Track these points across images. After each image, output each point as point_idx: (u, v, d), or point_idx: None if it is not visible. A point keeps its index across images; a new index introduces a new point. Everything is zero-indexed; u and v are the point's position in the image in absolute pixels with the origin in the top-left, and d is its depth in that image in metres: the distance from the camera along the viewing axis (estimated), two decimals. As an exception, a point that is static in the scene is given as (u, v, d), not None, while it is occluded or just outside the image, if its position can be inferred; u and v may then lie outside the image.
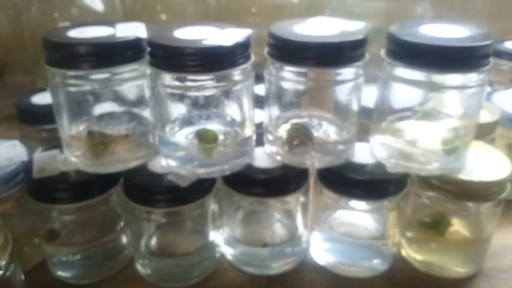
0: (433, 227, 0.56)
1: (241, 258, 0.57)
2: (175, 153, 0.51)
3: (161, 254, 0.56)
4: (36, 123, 0.65)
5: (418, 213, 0.57)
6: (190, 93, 0.48)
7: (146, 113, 0.54)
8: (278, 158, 0.53)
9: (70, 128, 0.52)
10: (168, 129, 0.51)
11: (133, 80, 0.50)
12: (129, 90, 0.52)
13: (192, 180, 0.49)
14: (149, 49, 0.46)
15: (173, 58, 0.45)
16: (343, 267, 0.56)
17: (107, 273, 0.57)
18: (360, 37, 0.47)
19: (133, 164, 0.52)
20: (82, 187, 0.51)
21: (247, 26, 0.49)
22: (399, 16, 0.77)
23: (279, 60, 0.49)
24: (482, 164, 0.53)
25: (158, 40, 0.45)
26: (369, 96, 0.54)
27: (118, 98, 0.52)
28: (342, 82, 0.50)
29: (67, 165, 0.52)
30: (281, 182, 0.52)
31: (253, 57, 0.48)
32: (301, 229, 0.57)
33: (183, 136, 0.51)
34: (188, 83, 0.47)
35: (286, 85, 0.51)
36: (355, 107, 0.52)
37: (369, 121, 0.55)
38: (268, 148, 0.54)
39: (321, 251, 0.58)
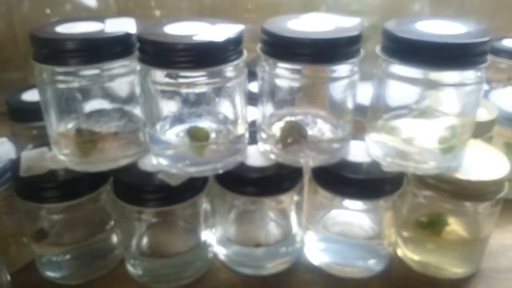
0: (430, 227, 0.55)
1: (234, 258, 0.56)
2: (166, 152, 0.50)
3: (152, 254, 0.55)
4: (27, 121, 0.64)
5: (415, 213, 0.56)
6: (181, 90, 0.47)
7: (137, 110, 0.53)
8: (272, 156, 0.52)
9: (58, 126, 0.51)
10: (159, 127, 0.50)
11: (123, 76, 0.49)
12: (119, 86, 0.51)
13: (183, 179, 0.48)
14: (138, 44, 0.45)
15: (163, 54, 0.44)
16: (338, 267, 0.55)
17: (97, 273, 0.55)
18: (355, 33, 0.46)
19: (122, 162, 0.51)
20: (71, 185, 0.50)
21: (242, 22, 0.48)
22: (396, 13, 0.76)
23: (272, 56, 0.48)
24: (479, 163, 0.52)
25: (147, 36, 0.44)
26: (365, 93, 0.53)
27: (108, 95, 0.51)
28: (337, 79, 0.49)
29: (55, 163, 0.51)
30: (274, 181, 0.51)
31: (245, 53, 0.47)
32: (295, 228, 0.56)
33: (174, 134, 0.50)
34: (179, 80, 0.46)
35: (279, 82, 0.50)
36: (350, 104, 0.51)
37: (364, 118, 0.54)
38: (262, 146, 0.53)
39: (316, 251, 0.57)
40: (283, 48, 0.47)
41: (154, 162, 0.51)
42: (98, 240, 0.55)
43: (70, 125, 0.51)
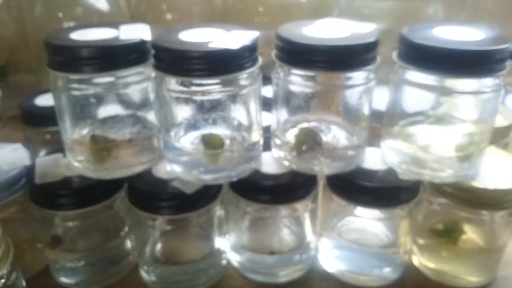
0: (446, 235, 0.54)
1: (247, 265, 0.56)
2: (180, 158, 0.50)
3: (166, 261, 0.55)
4: (40, 125, 0.64)
5: (430, 220, 0.55)
6: (195, 97, 0.47)
7: (151, 117, 0.53)
8: (286, 163, 0.52)
9: (72, 132, 0.51)
10: (173, 134, 0.50)
11: (137, 83, 0.49)
12: (133, 93, 0.51)
13: (197, 186, 0.48)
14: (153, 52, 0.45)
15: (178, 62, 0.43)
16: (353, 275, 0.55)
17: (111, 279, 0.55)
18: (371, 40, 0.46)
19: (137, 169, 0.51)
20: (85, 193, 0.50)
21: (254, 26, 0.48)
22: (410, 17, 0.75)
23: (287, 63, 0.47)
24: (496, 171, 0.51)
25: (163, 43, 0.44)
26: (380, 99, 0.52)
27: (122, 102, 0.51)
28: (352, 86, 0.49)
29: (70, 170, 0.51)
30: (289, 188, 0.51)
31: (260, 60, 0.47)
32: (309, 236, 0.55)
33: (188, 141, 0.50)
34: (194, 88, 0.45)
35: (294, 88, 0.50)
36: (366, 111, 0.50)
37: (380, 124, 0.54)
38: (276, 153, 0.53)
39: (330, 259, 0.56)
40: (298, 54, 0.46)
41: (168, 169, 0.50)
42: (112, 247, 0.55)
43: (85, 131, 0.51)
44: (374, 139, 0.54)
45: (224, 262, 0.56)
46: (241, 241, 0.55)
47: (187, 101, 0.48)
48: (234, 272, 0.57)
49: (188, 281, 0.54)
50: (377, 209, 0.51)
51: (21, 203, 0.53)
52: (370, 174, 0.51)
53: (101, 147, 0.49)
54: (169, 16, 0.93)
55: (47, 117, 0.61)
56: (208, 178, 0.49)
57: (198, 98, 0.47)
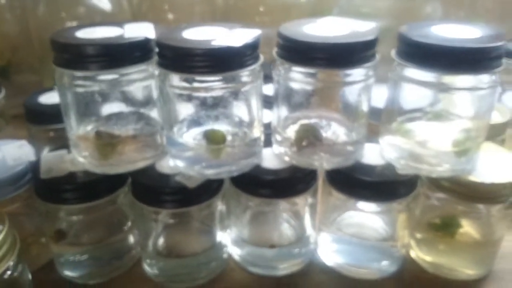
0: (443, 229, 0.55)
1: (248, 258, 0.57)
2: (183, 154, 0.51)
3: (168, 255, 0.56)
4: (44, 123, 0.66)
5: (428, 214, 0.56)
6: (198, 94, 0.48)
7: (154, 114, 0.54)
8: (287, 159, 0.53)
9: (77, 129, 0.52)
10: (176, 130, 0.51)
11: (141, 80, 0.50)
12: (137, 90, 0.52)
13: (200, 181, 0.49)
14: (157, 49, 0.46)
15: (181, 59, 0.44)
16: (352, 268, 0.56)
17: (114, 273, 0.56)
18: (371, 37, 0.47)
19: (141, 164, 0.52)
20: (90, 187, 0.51)
21: (255, 25, 0.49)
22: (408, 15, 0.77)
23: (288, 61, 0.48)
24: (492, 166, 0.53)
25: (166, 41, 0.45)
26: (379, 96, 0.53)
27: (126, 99, 0.52)
28: (352, 83, 0.50)
29: (75, 166, 0.52)
30: (289, 183, 0.52)
31: (262, 58, 0.48)
32: (309, 230, 0.56)
33: (191, 136, 0.51)
34: (196, 84, 0.46)
35: (295, 85, 0.51)
36: (365, 108, 0.51)
37: (378, 121, 0.55)
38: (277, 148, 0.54)
39: (329, 253, 0.57)
40: (299, 52, 0.47)
41: (171, 164, 0.52)
42: (115, 241, 0.56)
43: (89, 127, 0.52)
44: (372, 135, 0.55)
45: (225, 255, 0.57)
46: (242, 235, 0.56)
47: (190, 97, 0.49)
48: (235, 265, 0.58)
49: (190, 274, 0.55)
50: (375, 203, 0.52)
51: (26, 198, 0.54)
52: (369, 169, 0.52)
53: (106, 143, 0.51)
54: (170, 16, 0.94)
55: (51, 115, 0.63)
56: (210, 172, 0.50)
57: (201, 94, 0.48)
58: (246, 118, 0.51)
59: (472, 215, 0.54)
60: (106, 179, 0.51)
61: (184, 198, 0.50)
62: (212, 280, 0.56)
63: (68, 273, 0.56)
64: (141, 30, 0.49)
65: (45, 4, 0.88)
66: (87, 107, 0.50)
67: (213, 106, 0.49)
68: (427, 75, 0.47)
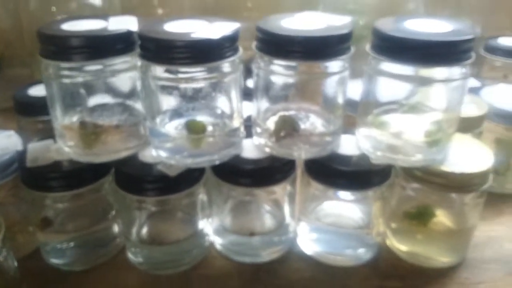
0: (417, 218, 0.57)
1: (229, 247, 0.58)
2: (165, 144, 0.52)
3: (151, 242, 0.57)
4: (32, 115, 0.67)
5: (403, 205, 0.58)
6: (179, 85, 0.50)
7: (138, 105, 0.55)
8: (266, 149, 0.54)
9: (63, 119, 0.53)
10: (159, 121, 0.53)
11: (125, 71, 0.51)
12: (121, 82, 0.54)
13: (181, 170, 0.51)
14: (139, 42, 0.48)
15: (162, 51, 0.46)
16: (329, 256, 0.58)
17: (99, 260, 0.58)
18: (346, 31, 0.49)
19: (124, 154, 0.53)
20: (75, 175, 0.53)
21: (243, 20, 0.50)
22: (392, 12, 0.78)
23: (267, 54, 0.50)
24: (465, 156, 0.54)
25: (148, 33, 0.47)
26: (357, 89, 0.55)
27: (111, 90, 0.54)
28: (329, 75, 0.51)
29: (60, 155, 0.54)
30: (268, 172, 0.53)
31: (241, 50, 0.50)
32: (288, 219, 0.58)
33: (173, 127, 0.53)
34: (178, 75, 0.48)
35: (274, 78, 0.53)
36: (340, 100, 0.53)
37: (356, 113, 0.56)
38: (256, 140, 0.56)
39: (308, 241, 0.59)
40: (277, 45, 0.49)
41: (153, 154, 0.53)
42: (100, 229, 0.58)
43: (75, 118, 0.54)
44: (350, 127, 0.57)
45: (207, 243, 0.59)
46: (223, 223, 0.58)
47: (171, 89, 0.51)
48: (217, 253, 0.59)
49: (173, 262, 0.57)
50: (351, 192, 0.54)
51: (13, 187, 0.55)
52: (345, 159, 0.54)
53: (89, 133, 0.52)
54: (160, 11, 0.95)
55: (40, 107, 0.64)
56: (191, 162, 0.52)
57: (183, 85, 0.50)
58: (226, 109, 0.53)
59: (445, 204, 0.56)
60: (90, 167, 0.53)
61: (166, 186, 0.51)
62: (194, 267, 0.57)
63: (54, 260, 0.58)
64: (125, 23, 0.50)
65: (36, -1, 0.89)
66: (72, 98, 0.52)
67: (194, 97, 0.51)
68: (400, 68, 0.49)
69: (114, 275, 0.57)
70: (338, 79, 0.52)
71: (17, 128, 0.67)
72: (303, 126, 0.54)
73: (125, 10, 0.93)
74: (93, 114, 0.54)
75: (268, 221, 0.59)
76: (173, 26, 0.48)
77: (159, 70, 0.48)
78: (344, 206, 0.59)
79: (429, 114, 0.53)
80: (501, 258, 0.60)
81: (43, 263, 0.58)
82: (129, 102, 0.56)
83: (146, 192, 0.52)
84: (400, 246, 0.59)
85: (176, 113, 0.53)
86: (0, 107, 0.82)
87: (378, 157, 0.53)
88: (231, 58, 0.48)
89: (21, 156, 0.55)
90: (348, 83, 0.52)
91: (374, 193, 0.54)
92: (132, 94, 0.55)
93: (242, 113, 0.54)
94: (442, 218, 0.57)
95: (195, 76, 0.48)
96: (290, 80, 0.52)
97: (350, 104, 0.56)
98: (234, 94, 0.51)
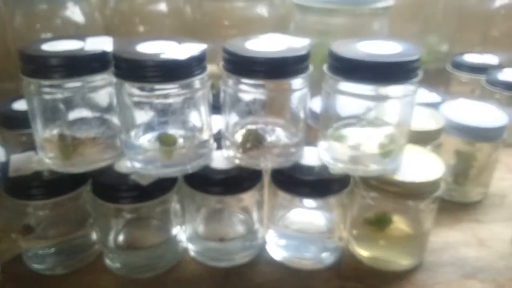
0: (376, 224, 0.61)
1: (202, 252, 0.62)
2: (138, 155, 0.56)
3: (127, 248, 0.61)
4: (16, 128, 0.70)
5: (364, 213, 0.62)
6: (152, 101, 0.54)
7: (115, 119, 0.59)
8: (235, 160, 0.58)
9: (43, 132, 0.57)
10: (133, 134, 0.57)
11: (102, 88, 0.55)
12: (99, 97, 0.57)
13: (153, 179, 0.55)
14: (114, 61, 0.52)
15: (134, 70, 0.50)
16: (295, 260, 0.62)
17: (78, 265, 0.61)
18: (304, 52, 0.53)
19: (100, 164, 0.57)
20: (54, 185, 0.56)
21: (220, 38, 0.55)
22: (357, 32, 0.83)
23: (234, 73, 0.54)
24: (418, 166, 0.59)
25: (121, 54, 0.51)
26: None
27: (89, 105, 0.57)
28: (292, 91, 0.56)
29: (41, 165, 0.57)
30: (236, 181, 0.57)
31: (209, 68, 0.54)
32: (257, 225, 0.62)
33: (146, 139, 0.57)
34: (150, 92, 0.52)
35: (241, 95, 0.57)
36: (302, 114, 0.57)
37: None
38: (225, 152, 0.60)
39: (276, 247, 0.63)
40: (244, 66, 0.53)
41: (128, 164, 0.57)
42: (78, 236, 0.61)
43: (55, 131, 0.57)
44: (315, 140, 0.61)
45: (180, 248, 0.63)
46: (195, 230, 0.62)
47: (145, 105, 0.55)
48: (190, 258, 0.63)
49: (148, 266, 0.60)
50: (314, 199, 0.59)
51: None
52: (308, 169, 0.58)
53: (68, 144, 0.56)
54: (141, 28, 0.99)
55: (23, 120, 0.67)
56: (163, 172, 0.56)
57: (155, 101, 0.54)
58: (196, 122, 0.57)
59: (401, 210, 0.60)
60: (69, 177, 0.57)
61: (139, 194, 0.55)
62: (168, 271, 0.61)
63: (36, 265, 0.61)
64: (101, 44, 0.54)
65: (21, 16, 0.92)
66: (52, 112, 0.56)
67: (166, 112, 0.55)
68: (354, 87, 0.53)
69: (92, 279, 0.60)
70: (300, 95, 0.56)
71: (1, 140, 0.71)
72: (268, 138, 0.58)
73: (107, 28, 0.97)
74: (72, 128, 0.58)
75: (238, 228, 0.63)
76: (146, 46, 0.53)
77: (132, 88, 0.52)
78: (309, 214, 0.63)
79: (383, 128, 0.58)
80: (456, 262, 0.64)
81: (25, 268, 0.61)
82: (107, 116, 0.60)
83: (121, 200, 0.55)
84: (361, 251, 0.63)
85: (149, 127, 0.57)
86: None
87: (337, 167, 0.57)
88: (200, 76, 0.52)
89: (4, 166, 0.58)
90: (308, 99, 0.57)
91: (335, 200, 0.58)
92: (109, 108, 0.59)
93: (211, 126, 0.58)
94: (399, 224, 0.61)
95: (169, 93, 0.53)
96: (257, 97, 0.57)
97: (315, 117, 0.61)
98: (203, 108, 0.56)
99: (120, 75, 0.51)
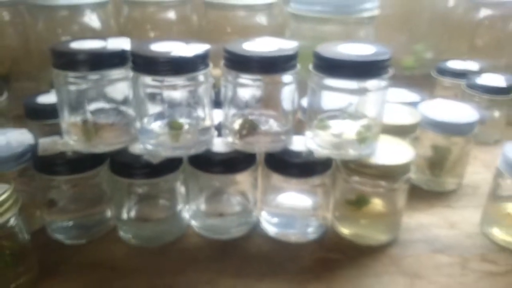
0: (355, 204, 0.70)
1: (202, 226, 0.71)
2: (150, 139, 0.65)
3: (138, 220, 0.70)
4: (40, 119, 0.80)
5: (345, 195, 0.71)
6: (162, 92, 0.63)
7: (130, 110, 0.68)
8: (234, 146, 0.68)
9: (69, 118, 0.66)
10: (146, 121, 0.66)
11: (119, 81, 0.65)
12: (116, 91, 0.67)
13: (162, 158, 0.64)
14: (131, 57, 0.61)
15: (149, 64, 0.60)
16: (284, 234, 0.71)
17: (95, 236, 0.70)
18: (292, 52, 0.63)
19: (117, 146, 0.66)
20: (77, 163, 0.65)
21: (223, 43, 0.64)
22: (345, 38, 0.92)
23: (234, 69, 0.63)
24: (392, 153, 0.68)
25: (138, 51, 0.60)
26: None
27: (107, 97, 0.67)
28: (284, 85, 0.65)
29: (66, 147, 0.67)
30: (234, 162, 0.66)
31: (211, 65, 0.63)
32: (251, 203, 0.71)
33: (157, 125, 0.66)
34: (163, 83, 0.61)
35: (240, 89, 0.66)
36: (291, 106, 0.67)
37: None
38: (225, 138, 0.69)
39: (267, 224, 0.72)
40: (243, 63, 0.63)
41: (141, 146, 0.66)
42: (95, 212, 0.71)
43: (78, 118, 0.67)
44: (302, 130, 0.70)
45: (184, 223, 0.72)
46: (197, 207, 0.71)
47: (156, 95, 0.64)
48: (192, 232, 0.72)
49: (156, 237, 0.70)
50: (300, 179, 0.67)
51: (25, 172, 0.67)
52: (296, 153, 0.67)
53: (90, 129, 0.65)
54: (151, 34, 1.09)
55: (47, 112, 0.77)
56: (171, 153, 0.65)
57: (164, 92, 0.63)
58: (199, 112, 0.66)
59: (378, 191, 0.69)
60: (90, 157, 0.66)
61: (150, 171, 0.64)
62: (172, 242, 0.70)
63: (58, 235, 0.70)
64: (120, 43, 0.64)
65: (43, 21, 1.02)
66: (77, 101, 0.65)
67: (174, 103, 0.64)
68: (336, 82, 0.62)
69: (108, 247, 0.69)
70: (289, 90, 0.65)
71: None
72: (262, 127, 0.67)
73: (121, 34, 1.06)
74: (93, 115, 0.67)
75: (235, 205, 0.72)
76: (158, 46, 0.62)
77: (147, 79, 0.62)
78: (297, 196, 0.71)
79: (361, 119, 0.67)
80: (428, 239, 0.72)
81: (48, 238, 0.70)
82: (122, 108, 0.69)
83: (135, 176, 0.65)
84: (343, 229, 0.72)
85: (159, 115, 0.66)
86: (11, 115, 0.94)
87: (320, 152, 0.66)
88: (203, 71, 0.62)
89: (33, 148, 0.67)
90: (296, 93, 0.66)
91: (319, 181, 0.67)
92: (124, 101, 0.68)
93: (213, 116, 0.67)
94: (376, 203, 0.70)
95: (176, 85, 0.62)
96: (253, 91, 0.66)
97: (304, 112, 0.70)
98: (206, 100, 0.65)
99: (136, 69, 0.61)
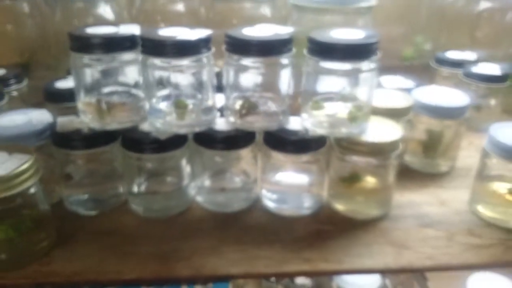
0: (349, 181, 0.75)
1: (206, 200, 0.77)
2: (159, 118, 0.71)
3: (148, 193, 0.76)
4: (58, 102, 0.86)
5: (339, 173, 0.76)
6: (170, 74, 0.69)
7: (140, 92, 0.74)
8: (234, 124, 0.73)
9: (85, 98, 0.72)
10: (154, 101, 0.72)
11: (130, 64, 0.71)
12: (127, 74, 0.73)
13: (169, 135, 0.70)
14: (141, 41, 0.67)
15: (157, 47, 0.65)
16: (282, 208, 0.76)
17: (108, 208, 0.77)
18: (287, 37, 0.68)
19: (128, 124, 0.72)
20: (91, 139, 0.72)
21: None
22: (346, 27, 0.97)
23: (233, 53, 0.69)
24: (382, 132, 0.73)
25: (147, 35, 0.66)
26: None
27: (120, 81, 0.73)
28: (283, 66, 0.70)
29: (82, 124, 0.73)
30: (234, 139, 0.72)
31: (213, 49, 0.69)
32: (251, 179, 0.77)
33: (164, 105, 0.72)
34: (170, 63, 0.67)
35: (241, 72, 0.71)
36: (287, 88, 0.72)
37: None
38: (226, 118, 0.74)
39: (266, 199, 0.77)
40: (244, 46, 0.68)
41: (150, 124, 0.72)
42: (108, 188, 0.77)
43: (93, 98, 0.73)
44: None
45: (190, 197, 0.78)
46: (202, 183, 0.77)
47: (163, 77, 0.70)
48: (197, 205, 0.78)
49: (164, 209, 0.76)
50: (297, 155, 0.72)
51: (45, 148, 0.74)
52: (293, 132, 0.72)
53: (103, 108, 0.71)
54: (162, 25, 1.15)
55: (64, 95, 0.83)
56: (177, 130, 0.71)
57: (173, 73, 0.69)
58: (202, 91, 0.72)
59: (369, 168, 0.74)
60: (103, 134, 0.72)
61: (159, 147, 0.70)
62: (178, 214, 0.76)
63: (74, 207, 0.76)
64: (131, 29, 0.70)
65: (61, 13, 1.09)
66: (92, 82, 0.71)
67: (179, 85, 0.70)
68: (329, 64, 0.68)
69: (120, 218, 0.75)
70: (285, 72, 0.71)
71: (46, 112, 0.86)
72: (261, 107, 0.73)
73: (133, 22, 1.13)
74: (107, 96, 0.74)
75: (237, 181, 0.78)
76: (165, 31, 0.68)
77: (155, 61, 0.67)
78: (294, 174, 0.77)
79: (352, 100, 0.72)
80: (417, 215, 0.77)
81: (65, 210, 0.77)
82: (133, 91, 0.75)
83: (144, 151, 0.71)
84: (337, 205, 0.77)
85: (167, 96, 0.72)
86: (31, 102, 1.01)
87: (314, 131, 0.71)
88: (206, 54, 0.68)
89: (52, 125, 0.74)
90: (291, 77, 0.71)
91: (314, 158, 0.72)
92: (135, 85, 0.74)
93: (215, 97, 0.73)
94: (368, 180, 0.75)
95: (182, 66, 0.68)
96: (255, 72, 0.71)
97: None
98: (209, 82, 0.71)
99: (145, 52, 0.67)
